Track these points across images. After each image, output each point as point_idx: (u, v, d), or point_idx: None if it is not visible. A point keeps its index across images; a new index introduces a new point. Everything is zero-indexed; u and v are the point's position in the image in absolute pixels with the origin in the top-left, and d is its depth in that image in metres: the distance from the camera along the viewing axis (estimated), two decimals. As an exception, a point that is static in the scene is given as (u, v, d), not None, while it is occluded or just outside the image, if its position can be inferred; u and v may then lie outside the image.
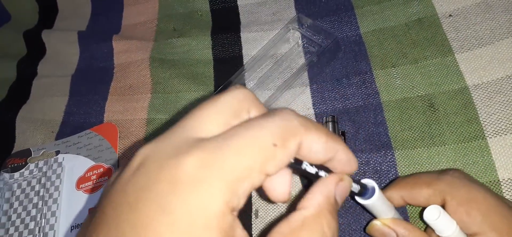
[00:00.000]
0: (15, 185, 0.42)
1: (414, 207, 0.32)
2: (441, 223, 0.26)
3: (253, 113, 0.20)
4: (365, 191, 0.25)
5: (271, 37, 0.45)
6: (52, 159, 0.43)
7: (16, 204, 0.40)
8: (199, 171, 0.16)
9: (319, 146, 0.20)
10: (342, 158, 0.21)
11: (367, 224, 0.29)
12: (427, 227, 0.27)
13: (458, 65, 0.37)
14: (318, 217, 0.20)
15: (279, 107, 0.33)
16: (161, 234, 0.16)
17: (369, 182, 0.26)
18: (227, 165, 0.17)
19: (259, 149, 0.17)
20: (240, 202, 0.17)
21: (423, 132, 0.35)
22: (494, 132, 0.33)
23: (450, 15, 0.40)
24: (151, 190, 0.16)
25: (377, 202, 0.26)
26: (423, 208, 0.27)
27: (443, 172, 0.28)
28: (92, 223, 0.18)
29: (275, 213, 0.35)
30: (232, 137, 0.18)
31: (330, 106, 0.39)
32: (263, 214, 0.35)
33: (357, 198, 0.26)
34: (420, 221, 0.31)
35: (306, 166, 0.21)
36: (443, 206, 0.26)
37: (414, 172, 0.33)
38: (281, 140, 0.18)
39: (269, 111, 0.20)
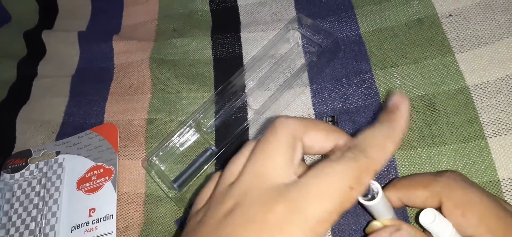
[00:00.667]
0: (16, 186, 0.42)
1: (414, 208, 0.32)
2: (436, 226, 0.26)
3: (308, 136, 0.23)
4: (368, 192, 0.25)
5: (271, 37, 0.45)
6: (53, 159, 0.43)
7: (16, 205, 0.41)
8: (287, 215, 0.19)
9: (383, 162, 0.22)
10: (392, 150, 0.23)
11: (366, 225, 0.29)
12: (425, 229, 0.27)
13: (458, 65, 0.37)
14: None
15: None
16: None
17: (373, 183, 0.26)
18: (310, 211, 0.19)
19: (338, 195, 0.20)
20: None
21: (423, 132, 0.35)
22: (494, 132, 0.33)
23: (450, 15, 0.40)
24: (247, 228, 0.20)
25: (380, 202, 0.26)
26: (419, 211, 0.27)
27: (440, 173, 0.28)
28: None
29: None
30: (313, 184, 0.20)
31: (330, 106, 0.39)
32: None
33: (360, 198, 0.26)
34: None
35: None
36: (439, 208, 0.26)
37: (414, 172, 0.33)
38: (356, 182, 0.20)
39: (336, 154, 0.22)
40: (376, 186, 0.26)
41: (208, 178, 0.27)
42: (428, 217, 0.26)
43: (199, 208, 0.24)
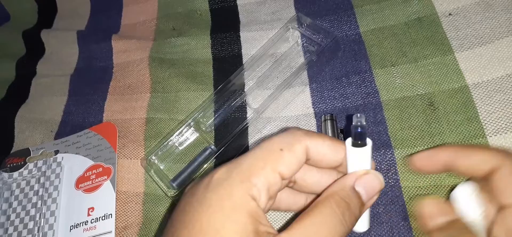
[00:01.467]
0: (14, 185, 0.42)
1: (413, 206, 0.32)
2: (471, 202, 0.25)
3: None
4: (359, 133, 0.24)
5: (271, 36, 0.45)
6: (51, 158, 0.43)
7: (15, 204, 0.40)
8: (225, 174, 0.23)
9: (325, 148, 0.24)
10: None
11: None
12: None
13: (458, 64, 0.37)
14: (328, 199, 0.23)
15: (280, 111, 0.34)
16: (201, 216, 0.21)
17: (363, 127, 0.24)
18: (244, 166, 0.23)
19: (268, 153, 0.23)
20: (262, 196, 0.22)
21: (423, 130, 0.35)
22: (494, 131, 0.33)
23: (449, 14, 0.40)
24: (193, 195, 0.23)
25: (368, 152, 0.24)
26: (452, 189, 0.26)
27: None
28: None
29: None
30: (253, 149, 0.24)
31: (330, 105, 0.39)
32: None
33: (348, 144, 0.25)
34: (420, 220, 0.31)
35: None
36: (484, 179, 0.25)
37: (414, 172, 0.33)
38: (287, 146, 0.23)
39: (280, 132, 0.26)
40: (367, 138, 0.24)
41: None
42: (468, 190, 0.25)
43: None
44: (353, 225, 0.23)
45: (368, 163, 0.25)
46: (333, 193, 0.23)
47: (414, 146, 0.34)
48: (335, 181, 0.25)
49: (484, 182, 0.25)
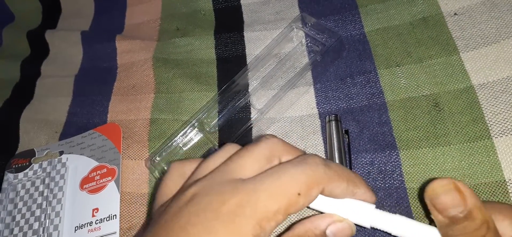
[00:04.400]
0: (19, 186, 0.42)
1: (419, 208, 0.32)
2: None
3: (284, 158, 0.25)
4: None
5: (275, 36, 0.45)
6: (56, 159, 0.43)
7: (20, 205, 0.41)
8: (239, 208, 0.21)
9: (340, 191, 0.23)
10: (360, 196, 0.24)
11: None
12: None
13: (463, 64, 0.37)
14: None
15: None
16: None
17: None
18: (259, 207, 0.21)
19: (286, 198, 0.22)
20: (266, 235, 0.22)
21: (428, 131, 0.35)
22: (500, 132, 0.32)
23: (455, 14, 0.40)
24: (200, 216, 0.21)
25: None
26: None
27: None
28: None
29: None
30: (265, 181, 0.22)
31: (334, 105, 0.39)
32: None
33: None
34: (425, 219, 0.31)
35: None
36: None
37: (419, 172, 0.33)
38: (305, 189, 0.22)
39: (299, 157, 0.24)
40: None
41: (169, 168, 0.28)
42: None
43: (165, 200, 0.26)
44: None
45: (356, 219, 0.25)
46: (308, 231, 0.24)
47: (419, 147, 0.34)
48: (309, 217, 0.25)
49: None
